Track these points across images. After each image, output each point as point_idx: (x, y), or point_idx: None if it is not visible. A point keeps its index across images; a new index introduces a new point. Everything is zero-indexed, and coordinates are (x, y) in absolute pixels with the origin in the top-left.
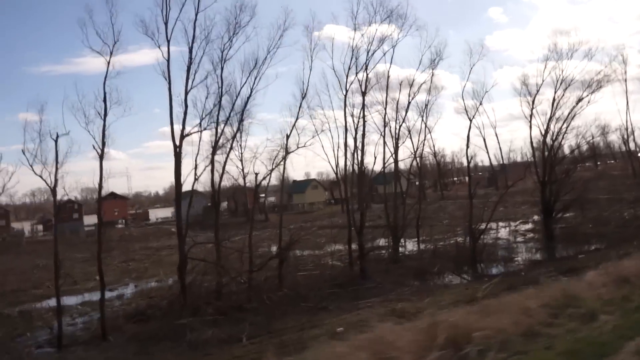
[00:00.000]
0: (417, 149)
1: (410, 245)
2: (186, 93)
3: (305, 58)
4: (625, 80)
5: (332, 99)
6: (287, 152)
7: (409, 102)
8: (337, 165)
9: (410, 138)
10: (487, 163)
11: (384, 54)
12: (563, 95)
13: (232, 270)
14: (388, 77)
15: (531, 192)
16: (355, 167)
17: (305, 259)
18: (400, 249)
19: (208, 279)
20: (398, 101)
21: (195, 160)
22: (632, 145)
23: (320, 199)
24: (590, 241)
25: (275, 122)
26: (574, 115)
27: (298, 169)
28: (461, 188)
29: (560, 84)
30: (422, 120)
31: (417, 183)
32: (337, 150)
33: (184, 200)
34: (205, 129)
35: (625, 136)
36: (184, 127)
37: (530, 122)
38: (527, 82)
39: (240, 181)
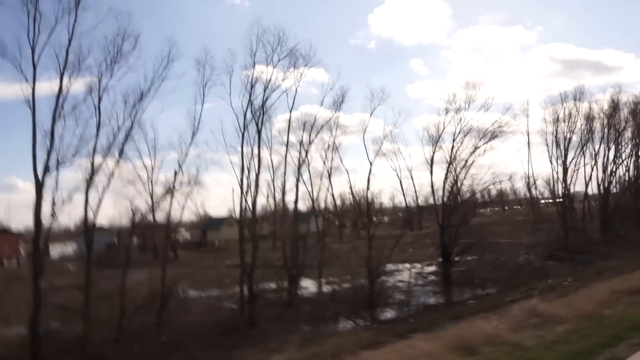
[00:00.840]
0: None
1: (314, 287)
2: (53, 123)
3: (197, 93)
4: (528, 133)
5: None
6: (172, 190)
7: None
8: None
9: (329, 178)
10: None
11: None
12: (461, 143)
13: (98, 318)
14: (290, 118)
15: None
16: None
17: (200, 301)
18: (301, 291)
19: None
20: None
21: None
22: (534, 193)
23: (235, 236)
24: (485, 285)
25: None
26: (472, 163)
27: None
28: (381, 228)
29: (459, 133)
30: (324, 161)
31: (337, 222)
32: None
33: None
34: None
35: (529, 184)
36: (48, 160)
37: (431, 168)
38: (429, 131)
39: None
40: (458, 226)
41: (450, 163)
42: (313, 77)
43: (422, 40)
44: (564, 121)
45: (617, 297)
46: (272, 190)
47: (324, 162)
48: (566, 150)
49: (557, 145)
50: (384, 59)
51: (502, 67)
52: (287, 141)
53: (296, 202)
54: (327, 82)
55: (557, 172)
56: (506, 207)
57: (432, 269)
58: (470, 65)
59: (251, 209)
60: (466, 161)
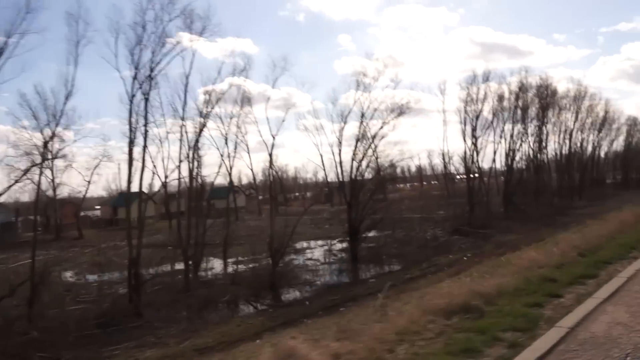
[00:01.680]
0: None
1: (220, 268)
2: None
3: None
4: (444, 111)
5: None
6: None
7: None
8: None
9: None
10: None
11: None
12: (370, 119)
13: None
14: (186, 84)
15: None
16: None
17: (92, 287)
18: (205, 273)
19: None
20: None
21: None
22: (452, 169)
23: (149, 213)
24: (391, 262)
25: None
26: (381, 139)
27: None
28: (301, 203)
29: (367, 109)
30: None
31: (260, 197)
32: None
33: None
34: None
35: (444, 160)
36: None
37: (340, 146)
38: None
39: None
40: (365, 203)
41: (358, 140)
42: (242, 49)
43: (351, 16)
44: (474, 101)
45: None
46: (190, 165)
47: (238, 136)
48: (474, 128)
49: (468, 123)
50: (313, 33)
51: (425, 47)
52: (184, 112)
53: (191, 176)
54: (256, 53)
55: (469, 149)
56: (424, 183)
57: (343, 246)
58: (396, 43)
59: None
60: (373, 137)
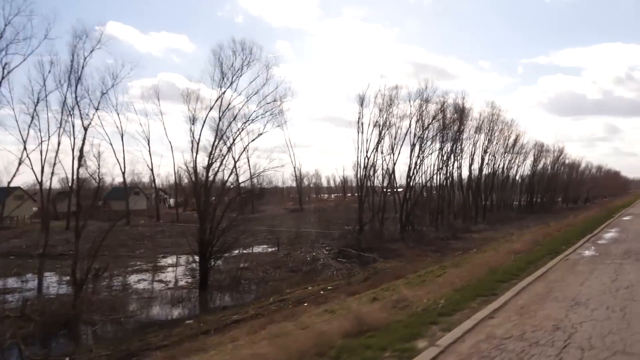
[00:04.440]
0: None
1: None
2: None
3: None
4: (362, 123)
5: None
6: None
7: None
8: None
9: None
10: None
11: None
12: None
13: None
14: None
15: None
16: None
17: None
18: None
19: None
20: None
21: None
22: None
23: (25, 212)
24: (249, 290)
25: None
26: (245, 148)
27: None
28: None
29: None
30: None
31: (170, 200)
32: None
33: None
34: None
35: (357, 172)
36: None
37: (194, 151)
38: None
39: None
40: (220, 217)
41: (214, 146)
42: (178, 45)
43: (290, 24)
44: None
45: None
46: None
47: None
48: (375, 145)
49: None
50: (250, 36)
51: (362, 60)
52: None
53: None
54: (191, 51)
55: (364, 164)
56: (348, 194)
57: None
58: (333, 53)
59: None
60: (230, 147)
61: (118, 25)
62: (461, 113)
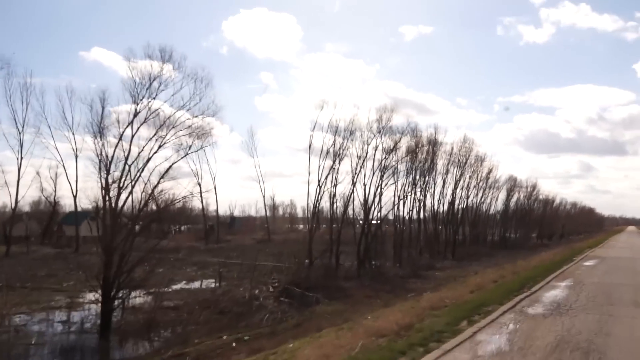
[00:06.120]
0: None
1: None
2: None
3: None
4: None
5: None
6: None
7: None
8: None
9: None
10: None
11: None
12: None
13: None
14: None
15: None
16: None
17: None
18: None
19: None
20: None
21: None
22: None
23: None
24: (161, 336)
25: None
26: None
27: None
28: (182, 237)
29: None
30: None
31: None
32: None
33: None
34: None
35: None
36: None
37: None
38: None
39: None
40: (124, 251)
41: (125, 165)
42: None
43: (274, 56)
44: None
45: None
46: None
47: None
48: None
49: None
50: (235, 67)
51: (345, 93)
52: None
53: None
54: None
55: (317, 195)
56: (323, 225)
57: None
58: (316, 86)
59: None
60: (136, 174)
61: (102, 51)
62: (433, 145)
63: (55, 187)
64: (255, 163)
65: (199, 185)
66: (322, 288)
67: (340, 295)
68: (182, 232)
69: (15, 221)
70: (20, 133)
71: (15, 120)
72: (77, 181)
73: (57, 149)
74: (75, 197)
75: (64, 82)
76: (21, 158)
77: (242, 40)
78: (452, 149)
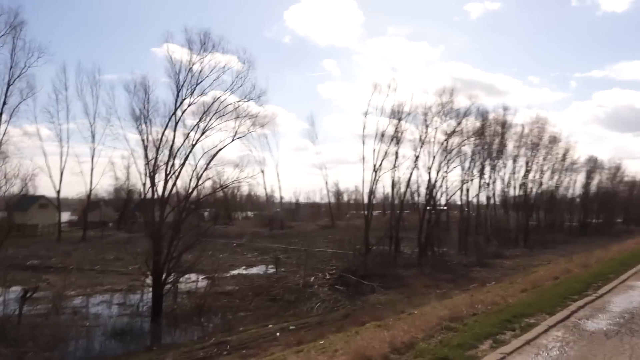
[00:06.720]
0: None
1: None
2: None
3: None
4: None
5: None
6: None
7: None
8: None
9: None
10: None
11: None
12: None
13: None
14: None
15: None
16: None
17: None
18: None
19: None
20: None
21: None
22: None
23: (50, 220)
24: (210, 321)
25: None
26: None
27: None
28: (248, 224)
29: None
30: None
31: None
32: None
33: None
34: None
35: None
36: None
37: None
38: None
39: None
40: (173, 235)
41: (170, 153)
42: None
43: (336, 42)
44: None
45: None
46: None
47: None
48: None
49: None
50: (298, 56)
51: (408, 77)
52: None
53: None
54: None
55: (373, 180)
56: (375, 212)
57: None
58: (379, 72)
59: None
60: (184, 160)
61: (174, 47)
62: (502, 125)
63: (127, 176)
64: (316, 150)
65: (262, 172)
66: (379, 276)
67: (397, 284)
68: (248, 218)
69: (92, 208)
70: (91, 125)
71: (87, 113)
72: (146, 169)
73: (126, 140)
74: (144, 185)
75: (138, 78)
76: (94, 149)
77: (303, 28)
78: (523, 129)
